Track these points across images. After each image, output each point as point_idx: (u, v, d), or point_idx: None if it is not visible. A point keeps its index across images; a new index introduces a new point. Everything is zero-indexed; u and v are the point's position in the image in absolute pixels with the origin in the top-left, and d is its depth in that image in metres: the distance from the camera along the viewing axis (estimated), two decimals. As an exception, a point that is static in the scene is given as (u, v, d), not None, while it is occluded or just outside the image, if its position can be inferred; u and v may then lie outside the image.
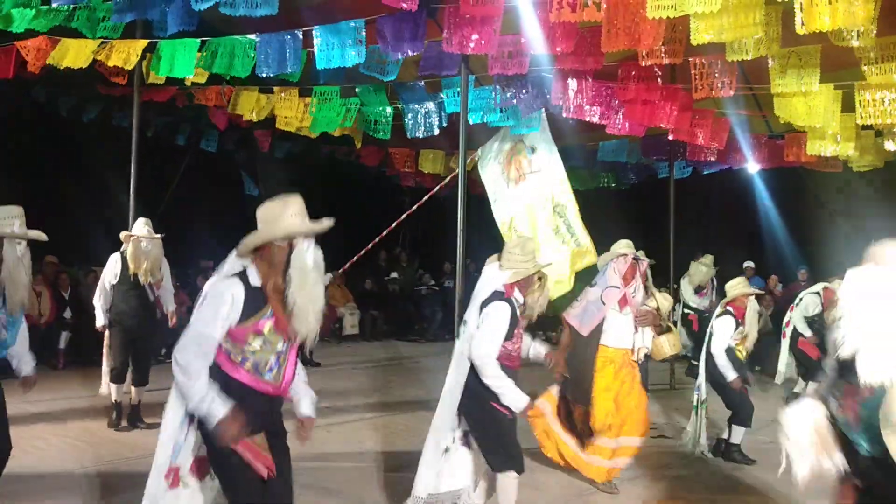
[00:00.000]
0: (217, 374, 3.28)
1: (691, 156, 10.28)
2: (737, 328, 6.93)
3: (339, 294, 14.65)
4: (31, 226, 4.78)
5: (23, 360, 4.71)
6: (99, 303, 7.25)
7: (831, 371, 3.24)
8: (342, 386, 9.80)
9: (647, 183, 12.89)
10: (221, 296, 3.27)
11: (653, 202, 11.52)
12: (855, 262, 3.18)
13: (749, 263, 13.73)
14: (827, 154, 7.79)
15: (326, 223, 3.43)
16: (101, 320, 7.26)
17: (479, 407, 4.53)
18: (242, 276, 3.35)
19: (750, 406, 6.91)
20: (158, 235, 7.22)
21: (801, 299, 9.09)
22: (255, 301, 3.31)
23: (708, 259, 11.06)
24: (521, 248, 4.69)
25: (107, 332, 7.29)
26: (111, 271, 7.20)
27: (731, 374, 6.81)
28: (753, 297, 7.18)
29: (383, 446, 6.81)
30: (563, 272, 7.34)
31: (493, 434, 4.55)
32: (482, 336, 4.49)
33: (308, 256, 3.36)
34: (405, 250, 16.73)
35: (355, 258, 9.20)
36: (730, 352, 6.88)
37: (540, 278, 4.79)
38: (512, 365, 4.58)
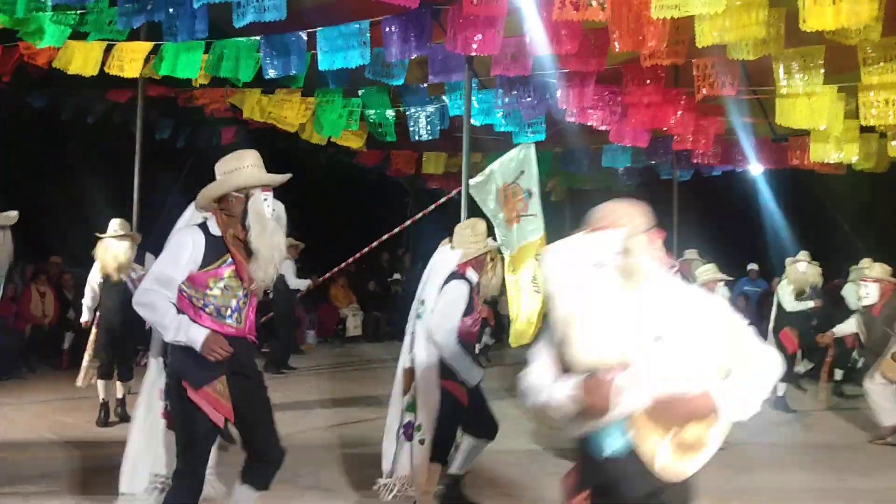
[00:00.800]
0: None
1: (694, 158, 10.28)
2: None
3: (342, 295, 14.66)
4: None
5: None
6: (86, 301, 7.49)
7: None
8: (346, 387, 9.80)
9: (650, 185, 12.88)
10: (182, 242, 3.42)
11: (655, 204, 11.50)
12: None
13: (753, 266, 13.73)
14: (830, 160, 7.78)
15: (283, 176, 3.56)
16: (85, 315, 7.55)
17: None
18: (203, 226, 3.48)
19: None
20: (129, 235, 7.25)
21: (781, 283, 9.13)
22: (215, 249, 3.43)
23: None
24: (471, 228, 4.83)
25: (93, 329, 7.41)
26: (97, 271, 7.36)
27: None
28: (723, 283, 7.25)
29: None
30: (533, 318, 7.25)
31: (433, 416, 4.62)
32: (442, 314, 4.57)
33: (265, 206, 3.45)
34: (408, 252, 16.73)
35: (336, 269, 9.17)
36: None
37: (492, 259, 4.93)
38: (470, 341, 4.75)
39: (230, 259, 3.43)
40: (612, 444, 2.45)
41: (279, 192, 3.61)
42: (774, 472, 6.59)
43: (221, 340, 3.35)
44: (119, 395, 7.45)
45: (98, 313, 7.36)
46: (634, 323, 2.40)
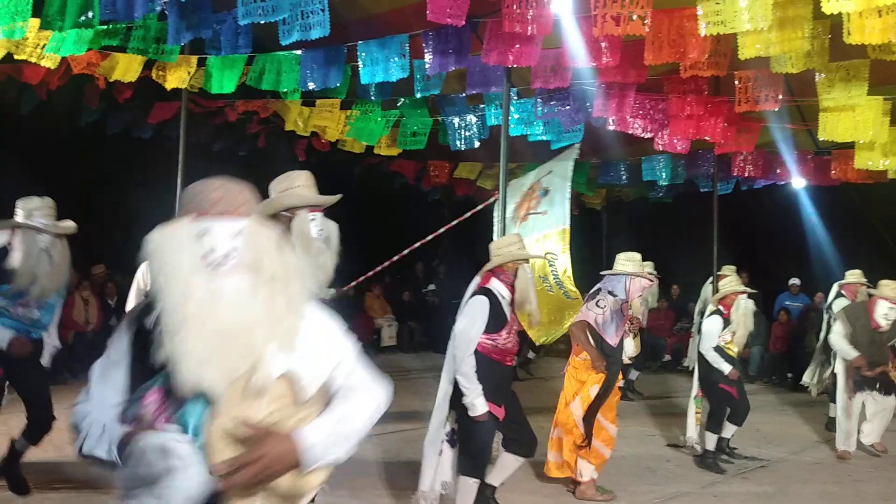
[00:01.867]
0: None
1: (734, 170, 10.14)
2: (725, 327, 6.99)
3: (377, 305, 14.72)
4: (79, 235, 4.94)
5: (47, 341, 5.19)
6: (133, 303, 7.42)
7: None
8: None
9: (689, 196, 12.75)
10: None
11: (695, 216, 11.39)
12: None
13: (795, 280, 13.52)
14: (878, 168, 7.65)
15: (332, 197, 3.52)
16: None
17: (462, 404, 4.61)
18: None
19: (744, 409, 7.01)
20: None
21: (829, 306, 8.95)
22: None
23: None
24: (507, 238, 4.74)
25: None
26: (143, 279, 7.33)
27: (725, 367, 6.91)
28: (746, 296, 7.21)
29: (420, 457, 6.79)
30: (554, 318, 7.18)
31: (466, 433, 4.60)
32: (457, 333, 4.53)
33: (310, 225, 3.41)
34: (443, 262, 16.75)
35: (362, 277, 9.18)
36: (719, 350, 6.96)
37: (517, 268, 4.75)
38: (500, 358, 4.60)
39: None
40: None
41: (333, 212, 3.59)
42: (815, 489, 6.47)
43: None
44: None
45: None
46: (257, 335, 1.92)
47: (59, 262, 4.83)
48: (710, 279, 11.35)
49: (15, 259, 4.72)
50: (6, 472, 5.05)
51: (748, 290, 7.37)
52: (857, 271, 8.85)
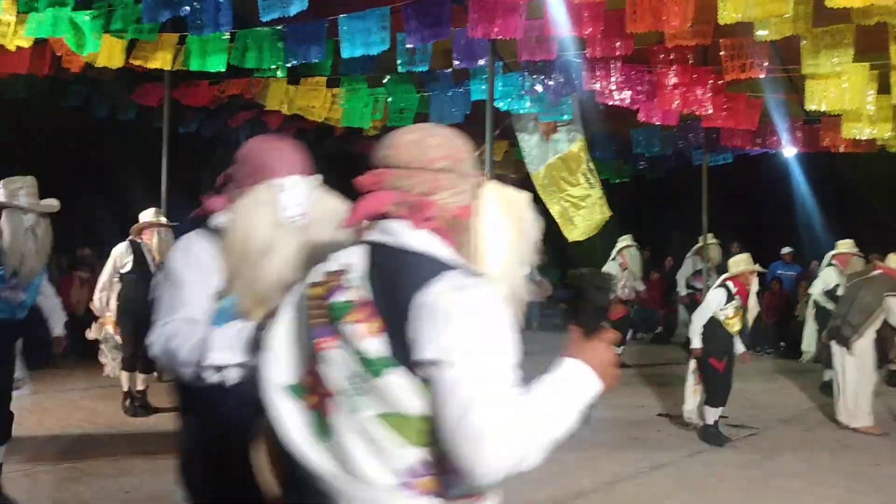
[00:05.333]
0: None
1: (725, 141, 10.11)
2: (729, 301, 6.91)
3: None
4: (65, 218, 4.90)
5: (53, 316, 5.13)
6: (101, 294, 7.34)
7: None
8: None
9: (682, 170, 12.72)
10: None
11: (687, 188, 11.37)
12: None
13: (787, 249, 13.52)
14: (863, 137, 7.62)
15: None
16: (99, 311, 7.40)
17: None
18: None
19: (725, 387, 6.91)
20: (172, 223, 7.32)
21: (818, 276, 8.96)
22: None
23: None
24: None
25: (100, 322, 7.39)
26: (120, 262, 7.26)
27: (696, 341, 6.89)
28: (756, 275, 7.17)
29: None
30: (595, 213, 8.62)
31: None
32: None
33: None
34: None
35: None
36: (712, 322, 6.87)
37: None
38: None
39: None
40: None
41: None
42: (803, 456, 6.50)
43: None
44: (140, 387, 7.42)
45: (118, 304, 7.31)
46: None
47: (42, 241, 4.76)
48: (692, 251, 11.42)
49: (3, 241, 4.66)
50: None
51: (760, 269, 7.33)
52: (849, 241, 8.85)
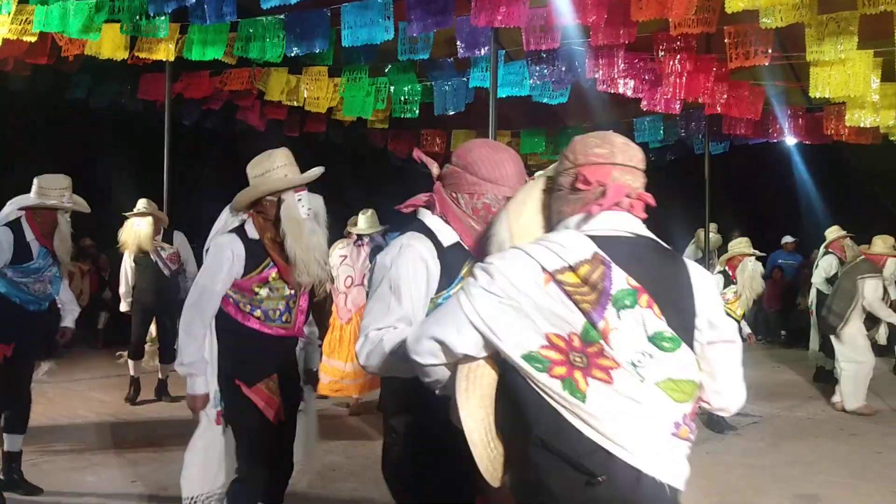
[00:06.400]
0: (229, 322, 3.35)
1: (728, 130, 10.09)
2: (727, 286, 6.98)
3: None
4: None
5: (66, 308, 5.20)
6: (122, 287, 7.53)
7: None
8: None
9: (685, 160, 12.69)
10: (221, 256, 3.31)
11: (690, 177, 11.36)
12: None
13: (788, 238, 13.51)
14: (866, 124, 7.60)
15: (314, 172, 3.43)
16: (124, 305, 7.57)
17: None
18: (240, 230, 3.38)
19: None
20: (148, 212, 7.27)
21: (817, 265, 8.97)
22: (255, 254, 3.34)
23: None
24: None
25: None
26: (128, 257, 7.45)
27: None
28: (754, 258, 7.19)
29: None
30: None
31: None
32: None
33: (298, 208, 3.35)
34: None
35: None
36: None
37: None
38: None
39: (271, 262, 3.36)
40: None
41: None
42: (807, 444, 6.52)
43: (202, 408, 3.33)
44: (161, 376, 7.55)
45: (133, 295, 7.45)
46: None
47: (65, 236, 4.91)
48: (693, 239, 11.41)
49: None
50: (13, 480, 4.88)
51: (756, 252, 7.36)
52: (835, 227, 8.89)
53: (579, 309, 1.75)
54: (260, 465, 3.38)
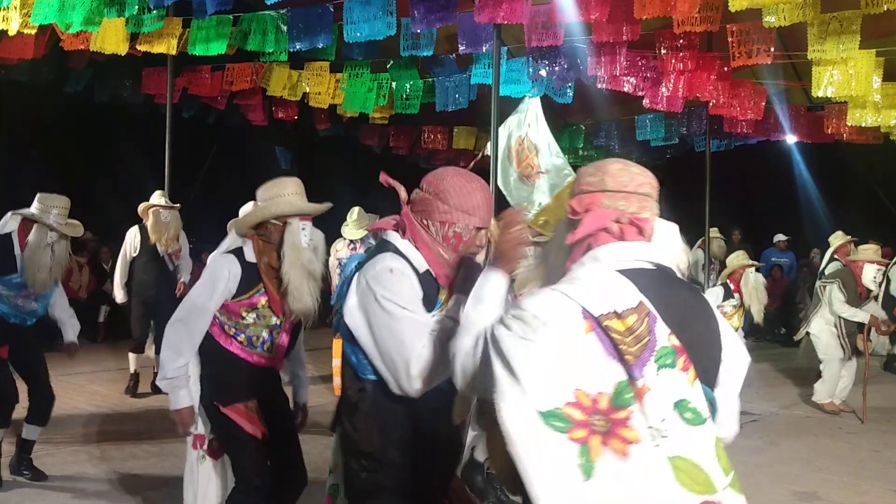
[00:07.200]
0: (211, 343, 3.33)
1: (729, 128, 10.09)
2: (726, 299, 7.01)
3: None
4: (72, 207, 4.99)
5: (65, 325, 5.19)
6: (118, 278, 7.45)
7: None
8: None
9: (685, 157, 12.70)
10: (218, 273, 3.31)
11: (688, 175, 11.37)
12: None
13: (780, 237, 13.49)
14: (868, 124, 7.61)
15: (322, 206, 3.46)
16: (121, 297, 7.48)
17: None
18: (238, 252, 3.38)
19: None
20: (176, 205, 7.31)
21: (822, 272, 8.94)
22: (249, 278, 3.33)
23: None
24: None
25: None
26: (131, 244, 7.38)
27: None
28: (753, 269, 7.21)
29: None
30: None
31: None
32: None
33: (302, 235, 3.36)
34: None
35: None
36: None
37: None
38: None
39: (263, 289, 3.35)
40: None
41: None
42: (805, 442, 6.54)
43: (190, 421, 3.30)
44: (156, 368, 7.51)
45: (131, 287, 7.40)
46: None
47: (58, 258, 4.91)
48: (698, 242, 11.39)
49: (25, 253, 4.82)
50: (22, 463, 5.03)
51: (755, 263, 7.36)
52: (838, 233, 8.83)
53: (622, 361, 1.60)
54: (259, 479, 3.34)
